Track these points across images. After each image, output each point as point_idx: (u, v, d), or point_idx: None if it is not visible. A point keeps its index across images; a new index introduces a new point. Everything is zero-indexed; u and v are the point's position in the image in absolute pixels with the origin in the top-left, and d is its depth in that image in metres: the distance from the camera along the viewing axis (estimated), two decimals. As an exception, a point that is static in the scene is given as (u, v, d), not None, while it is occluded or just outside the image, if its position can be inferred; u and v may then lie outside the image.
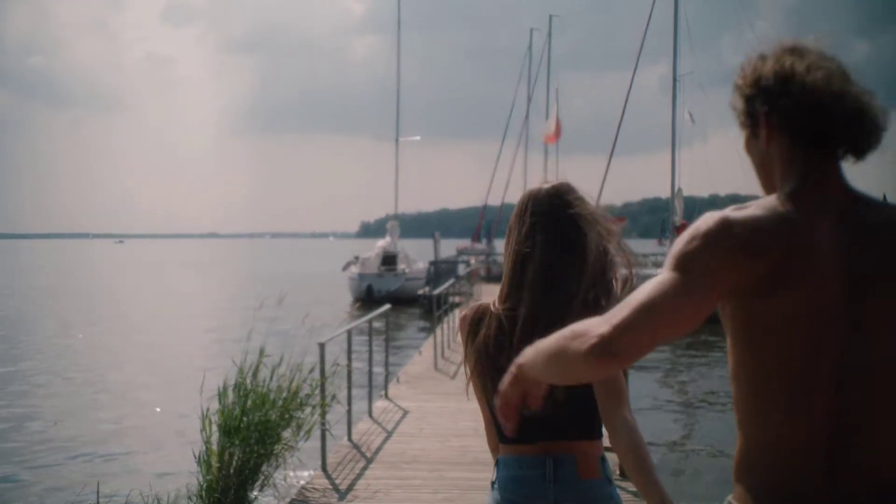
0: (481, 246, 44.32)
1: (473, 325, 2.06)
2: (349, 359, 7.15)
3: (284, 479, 6.19)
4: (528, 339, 1.58)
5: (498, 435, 2.03)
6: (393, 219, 34.30)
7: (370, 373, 8.36)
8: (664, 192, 25.68)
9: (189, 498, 5.57)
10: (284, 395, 5.95)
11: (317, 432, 6.21)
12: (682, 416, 11.77)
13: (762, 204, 1.37)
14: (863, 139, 1.36)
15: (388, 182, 38.40)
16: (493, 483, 2.04)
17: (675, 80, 26.57)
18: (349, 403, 7.09)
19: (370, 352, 8.46)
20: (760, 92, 1.40)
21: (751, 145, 1.47)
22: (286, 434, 5.97)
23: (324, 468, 6.16)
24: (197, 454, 5.63)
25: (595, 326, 1.33)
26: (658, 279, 1.36)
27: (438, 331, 12.39)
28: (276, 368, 6.09)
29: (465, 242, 48.15)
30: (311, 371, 6.29)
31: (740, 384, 1.39)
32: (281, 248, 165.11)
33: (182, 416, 7.50)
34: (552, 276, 1.97)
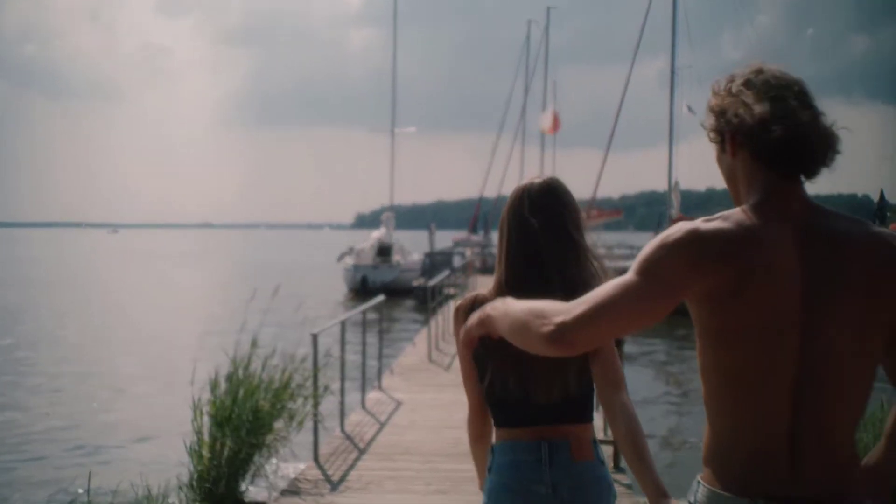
0: (477, 237, 44.30)
1: (468, 314, 2.06)
2: (342, 350, 7.12)
3: (276, 470, 6.17)
4: None
5: (494, 420, 2.08)
6: (388, 210, 34.24)
7: (363, 364, 8.33)
8: (661, 186, 25.71)
9: (180, 488, 5.53)
10: (276, 385, 5.92)
11: (309, 424, 6.18)
12: (676, 408, 11.77)
13: (728, 216, 1.50)
14: (810, 163, 1.49)
15: (384, 173, 38.35)
16: (489, 468, 2.07)
17: (672, 73, 26.55)
18: (342, 394, 7.06)
19: (363, 343, 8.43)
20: (724, 113, 1.53)
21: (720, 159, 1.60)
22: (278, 425, 5.94)
23: (316, 459, 6.12)
24: (188, 445, 5.60)
25: (556, 313, 1.49)
26: (622, 279, 1.50)
27: (433, 322, 12.36)
28: (268, 359, 6.06)
29: (462, 234, 48.16)
30: (303, 361, 6.26)
31: (708, 382, 1.52)
32: (276, 239, 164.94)
33: (174, 408, 7.46)
34: (549, 266, 2.02)
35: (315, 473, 5.84)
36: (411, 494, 5.39)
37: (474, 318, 1.75)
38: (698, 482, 1.55)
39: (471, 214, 49.03)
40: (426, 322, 13.40)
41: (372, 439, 6.88)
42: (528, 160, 47.57)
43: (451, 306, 2.24)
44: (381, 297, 9.82)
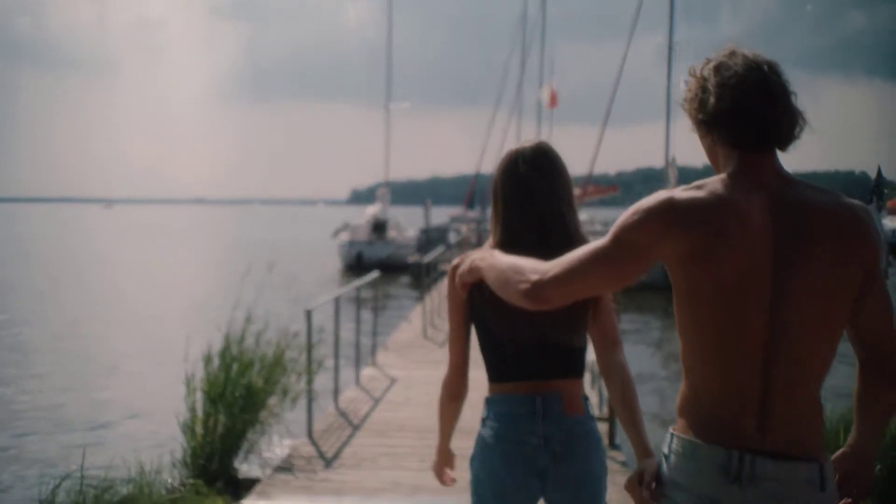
0: (473, 213, 44.18)
1: None
2: (336, 326, 7.08)
3: (270, 447, 6.15)
4: None
5: (489, 374, 2.15)
6: (383, 186, 34.04)
7: (357, 340, 8.31)
8: (658, 162, 25.55)
9: (174, 465, 5.52)
10: (270, 361, 5.89)
11: (303, 400, 6.16)
12: (670, 384, 11.80)
13: (703, 184, 1.60)
14: (770, 143, 1.59)
15: (379, 149, 38.07)
16: (483, 420, 2.15)
17: (670, 49, 26.29)
18: (336, 371, 7.04)
19: (358, 319, 8.40)
20: (691, 103, 1.65)
21: (701, 137, 1.71)
22: (272, 401, 5.92)
23: (310, 435, 6.11)
24: (181, 421, 5.57)
25: (533, 272, 1.65)
26: (596, 244, 1.62)
27: (428, 299, 12.35)
28: (261, 335, 6.02)
29: (458, 210, 48.03)
30: (297, 337, 6.23)
31: (684, 339, 1.61)
32: (270, 215, 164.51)
33: (167, 384, 7.43)
34: (549, 215, 2.08)
35: (309, 450, 5.83)
36: (405, 471, 5.38)
37: (465, 265, 1.94)
38: (671, 434, 1.63)
39: (466, 190, 48.87)
40: (421, 298, 13.38)
41: (366, 416, 6.88)
42: (525, 135, 47.32)
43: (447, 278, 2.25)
44: (375, 274, 9.77)
